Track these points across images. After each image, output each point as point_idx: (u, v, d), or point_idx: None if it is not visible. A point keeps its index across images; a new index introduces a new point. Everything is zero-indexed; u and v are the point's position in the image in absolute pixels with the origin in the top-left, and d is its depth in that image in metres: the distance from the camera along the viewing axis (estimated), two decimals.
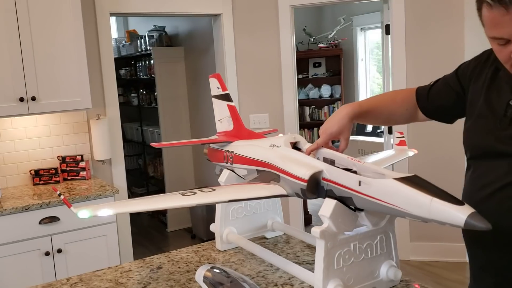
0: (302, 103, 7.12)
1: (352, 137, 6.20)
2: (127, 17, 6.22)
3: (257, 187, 1.22)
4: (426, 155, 3.50)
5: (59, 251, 2.53)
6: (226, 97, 1.61)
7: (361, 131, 6.78)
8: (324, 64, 7.23)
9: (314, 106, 6.70)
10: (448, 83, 1.33)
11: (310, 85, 7.21)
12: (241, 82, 3.72)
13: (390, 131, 3.72)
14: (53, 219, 2.51)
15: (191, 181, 4.90)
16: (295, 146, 1.29)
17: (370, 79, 7.05)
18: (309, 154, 1.22)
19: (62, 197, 1.08)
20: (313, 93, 7.08)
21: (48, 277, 2.49)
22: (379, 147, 4.97)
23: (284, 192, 1.19)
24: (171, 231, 4.87)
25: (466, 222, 0.82)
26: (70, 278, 1.38)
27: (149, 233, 4.96)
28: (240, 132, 1.54)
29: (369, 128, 6.82)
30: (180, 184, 4.72)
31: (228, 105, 1.61)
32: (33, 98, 2.64)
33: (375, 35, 6.69)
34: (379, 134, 5.84)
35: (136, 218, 5.34)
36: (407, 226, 3.67)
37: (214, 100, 1.66)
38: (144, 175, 5.80)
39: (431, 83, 1.40)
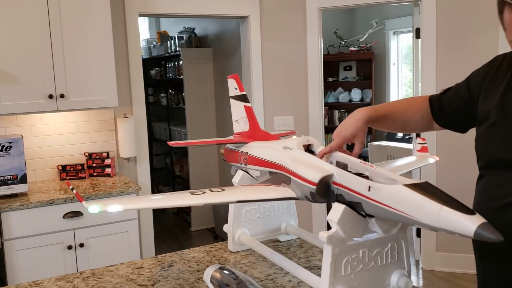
0: (331, 107, 7.05)
1: (382, 143, 6.10)
2: (159, 18, 6.31)
3: (266, 189, 1.20)
4: (454, 163, 3.40)
5: (81, 245, 2.59)
6: (243, 98, 1.60)
7: (391, 136, 6.65)
8: (355, 67, 7.15)
9: (343, 110, 6.63)
10: (458, 92, 1.31)
11: (340, 89, 7.13)
12: (266, 84, 3.72)
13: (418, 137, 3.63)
14: (76, 214, 2.56)
15: (216, 181, 4.92)
16: (308, 149, 1.27)
17: (402, 84, 6.92)
18: (321, 157, 1.20)
19: (74, 191, 1.10)
20: (343, 96, 7.00)
21: (70, 270, 2.54)
22: (408, 153, 4.86)
23: (293, 195, 1.17)
24: (194, 231, 4.91)
25: (476, 233, 0.78)
26: (83, 272, 1.40)
27: (173, 231, 5.02)
28: (256, 133, 1.53)
29: (400, 134, 6.69)
30: (205, 184, 4.75)
31: (244, 106, 1.60)
32: (62, 96, 2.71)
33: (409, 39, 6.57)
34: (408, 140, 5.72)
35: (161, 216, 5.41)
36: (433, 236, 3.57)
37: (232, 101, 1.66)
38: (171, 174, 5.87)
39: (442, 91, 1.37)
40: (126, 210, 1.11)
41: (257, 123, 1.57)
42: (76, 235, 2.58)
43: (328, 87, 7.13)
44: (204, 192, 1.16)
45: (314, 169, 1.12)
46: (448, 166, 3.42)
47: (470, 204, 1.46)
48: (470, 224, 0.79)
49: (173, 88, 5.54)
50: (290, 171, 1.20)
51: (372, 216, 1.05)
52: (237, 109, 1.64)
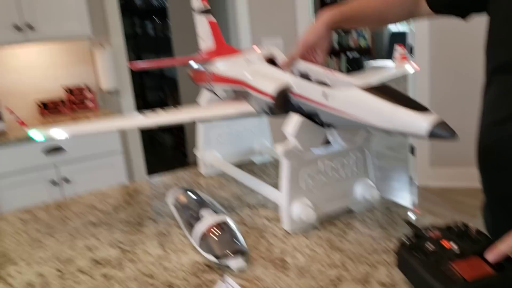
0: None
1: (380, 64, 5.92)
2: None
3: (223, 106, 1.13)
4: (447, 73, 3.28)
5: (67, 180, 2.56)
6: (206, 12, 1.49)
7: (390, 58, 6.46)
8: None
9: (342, 32, 6.41)
10: None
11: None
12: (252, 1, 3.50)
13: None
14: (58, 150, 2.52)
15: None
16: (271, 61, 1.18)
17: None
18: (284, 68, 1.11)
19: (16, 118, 1.03)
20: None
21: None
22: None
23: (252, 110, 1.10)
24: (192, 163, 4.92)
25: (429, 131, 0.71)
26: (49, 204, 1.37)
27: (171, 164, 5.03)
28: (221, 49, 1.43)
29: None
30: None
31: (209, 21, 1.49)
32: (30, 26, 2.57)
33: None
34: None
35: (159, 150, 5.42)
36: (426, 151, 3.53)
37: (196, 16, 1.54)
38: (165, 107, 5.80)
39: None
40: (72, 136, 1.05)
41: (223, 39, 1.47)
42: (61, 171, 2.55)
43: (327, 6, 6.83)
44: (157, 113, 1.09)
45: (272, 81, 1.03)
46: (442, 76, 3.30)
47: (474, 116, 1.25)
48: (423, 122, 0.71)
49: (159, 16, 5.31)
50: (249, 85, 1.12)
51: (331, 126, 0.98)
52: (201, 25, 1.52)
